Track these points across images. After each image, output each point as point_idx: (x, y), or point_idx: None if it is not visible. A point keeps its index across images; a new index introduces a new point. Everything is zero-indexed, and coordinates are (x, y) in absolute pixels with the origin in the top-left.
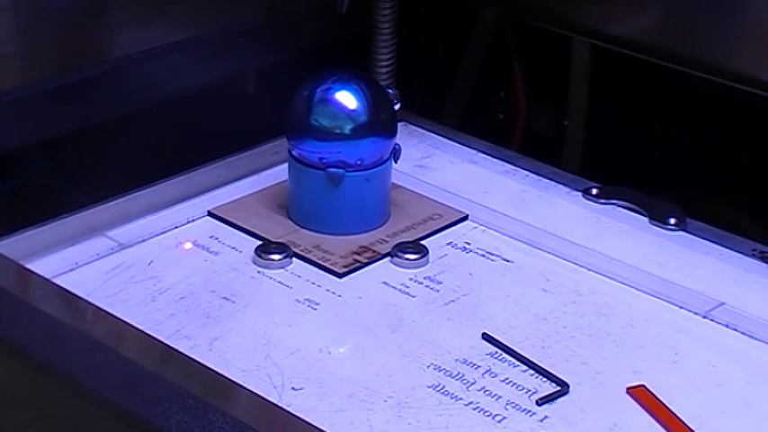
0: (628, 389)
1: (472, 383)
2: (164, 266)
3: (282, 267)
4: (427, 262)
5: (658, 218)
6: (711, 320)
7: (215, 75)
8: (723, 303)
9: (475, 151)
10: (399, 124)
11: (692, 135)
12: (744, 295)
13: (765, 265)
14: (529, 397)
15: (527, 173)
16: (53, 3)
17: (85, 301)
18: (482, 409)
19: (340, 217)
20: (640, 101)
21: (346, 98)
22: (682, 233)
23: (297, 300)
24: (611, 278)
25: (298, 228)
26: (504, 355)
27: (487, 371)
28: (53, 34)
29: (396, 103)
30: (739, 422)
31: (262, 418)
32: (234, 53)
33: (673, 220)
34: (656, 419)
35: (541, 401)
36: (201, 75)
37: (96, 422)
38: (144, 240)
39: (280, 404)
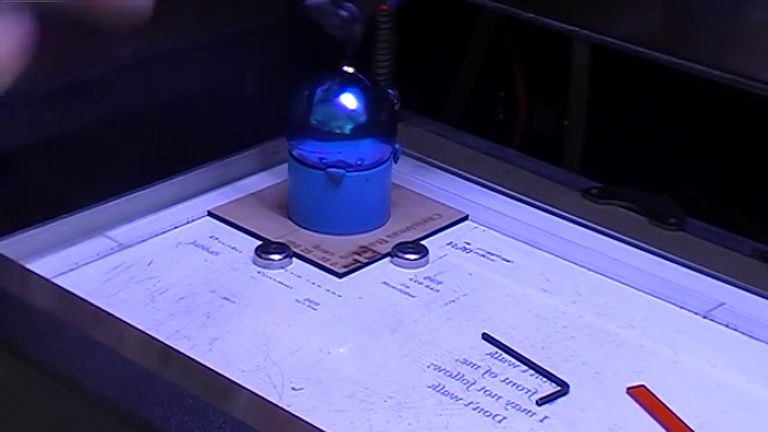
0: (628, 389)
1: (472, 383)
2: (164, 266)
3: (282, 267)
4: (427, 262)
5: (658, 218)
6: (711, 320)
7: (215, 75)
8: (723, 303)
9: (475, 151)
10: (399, 124)
11: (692, 135)
12: (744, 295)
13: (765, 265)
14: (529, 397)
15: (527, 173)
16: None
17: (85, 301)
18: (482, 409)
19: (340, 217)
20: (640, 101)
21: (346, 98)
22: (682, 233)
23: (297, 300)
24: (611, 278)
25: (298, 228)
26: (504, 355)
27: (487, 371)
28: (53, 34)
29: (396, 103)
30: (739, 422)
31: (262, 418)
32: (234, 53)
33: (673, 220)
34: (656, 419)
35: (541, 401)
36: (201, 75)
37: (96, 422)
38: (144, 240)
39: (280, 404)
